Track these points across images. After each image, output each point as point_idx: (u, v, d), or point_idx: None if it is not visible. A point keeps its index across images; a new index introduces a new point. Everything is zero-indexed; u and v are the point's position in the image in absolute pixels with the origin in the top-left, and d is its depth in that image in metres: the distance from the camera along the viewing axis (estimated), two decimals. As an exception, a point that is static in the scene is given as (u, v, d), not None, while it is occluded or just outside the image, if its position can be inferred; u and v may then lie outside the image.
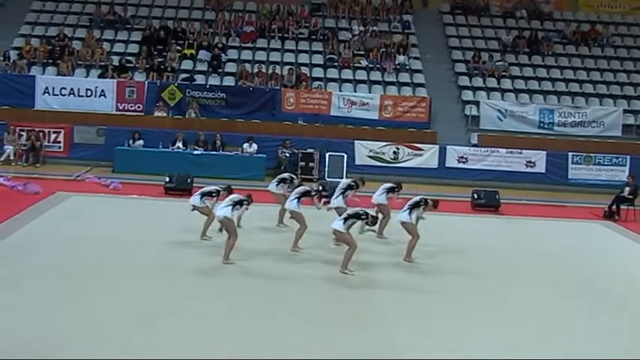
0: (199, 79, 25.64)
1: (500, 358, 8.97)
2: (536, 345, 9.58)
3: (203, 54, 26.52)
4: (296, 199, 13.83)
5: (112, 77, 24.79)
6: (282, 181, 15.49)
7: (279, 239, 14.55)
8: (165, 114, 24.03)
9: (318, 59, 27.23)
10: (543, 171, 23.83)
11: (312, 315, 10.19)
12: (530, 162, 23.77)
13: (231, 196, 13.02)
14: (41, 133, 22.63)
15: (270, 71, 25.86)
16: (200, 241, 13.86)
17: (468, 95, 26.25)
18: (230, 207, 12.55)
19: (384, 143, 23.42)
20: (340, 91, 25.63)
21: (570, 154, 23.94)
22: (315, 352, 8.84)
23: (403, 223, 13.34)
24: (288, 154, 22.42)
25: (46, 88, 24.18)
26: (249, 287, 11.41)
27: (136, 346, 8.69)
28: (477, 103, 25.66)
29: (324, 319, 10.08)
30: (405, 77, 26.71)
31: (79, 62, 25.72)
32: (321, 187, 15.77)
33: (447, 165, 23.47)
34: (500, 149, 23.78)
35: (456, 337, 9.70)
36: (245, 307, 10.35)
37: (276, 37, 27.84)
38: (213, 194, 13.85)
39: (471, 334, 9.80)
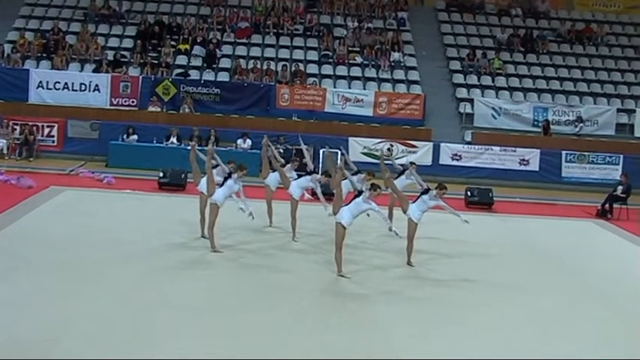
0: (194, 75, 25.60)
1: (498, 359, 8.99)
2: (531, 343, 9.60)
3: (198, 49, 26.50)
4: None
5: (107, 72, 24.73)
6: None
7: (275, 237, 14.56)
8: (159, 109, 24.00)
9: (312, 55, 27.23)
10: (537, 169, 23.88)
11: (308, 315, 10.19)
12: (523, 160, 23.82)
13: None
14: (35, 127, 22.56)
15: (264, 67, 25.85)
16: (193, 236, 13.80)
17: (462, 93, 26.28)
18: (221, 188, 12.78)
19: (379, 140, 23.43)
20: (335, 87, 25.62)
21: (564, 152, 24.00)
22: (311, 352, 8.82)
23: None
24: (282, 150, 22.39)
25: (40, 82, 24.12)
26: (245, 285, 11.37)
27: (129, 342, 8.68)
28: (471, 101, 25.70)
29: (321, 319, 10.07)
30: (399, 74, 26.73)
31: (74, 56, 25.66)
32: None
33: (440, 162, 23.47)
34: (494, 147, 23.81)
35: (453, 337, 9.68)
36: (240, 306, 10.32)
37: (271, 33, 27.83)
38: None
39: (466, 335, 9.79)
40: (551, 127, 25.07)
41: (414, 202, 12.99)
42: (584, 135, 25.29)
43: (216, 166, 13.51)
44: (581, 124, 25.25)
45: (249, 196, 13.48)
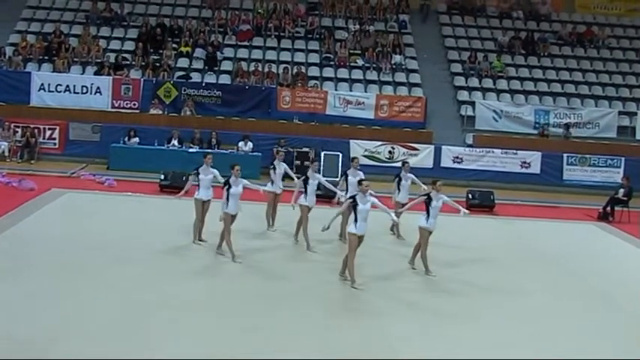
0: (195, 77, 25.63)
1: (498, 359, 8.99)
2: (532, 346, 9.60)
3: (199, 52, 26.53)
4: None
5: (108, 74, 24.76)
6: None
7: (277, 240, 14.58)
8: (160, 111, 24.00)
9: (314, 58, 27.25)
10: (538, 172, 23.85)
11: (308, 315, 10.19)
12: (525, 163, 23.80)
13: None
14: (36, 130, 22.58)
15: (266, 70, 25.87)
16: (193, 238, 13.82)
17: (463, 95, 26.28)
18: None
19: (380, 143, 23.44)
20: (336, 90, 25.64)
21: (565, 155, 23.97)
22: (311, 352, 8.83)
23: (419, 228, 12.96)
24: (283, 153, 22.35)
25: (42, 84, 24.15)
26: (244, 286, 11.39)
27: (129, 342, 8.69)
28: (472, 104, 25.71)
29: (321, 320, 10.07)
30: (401, 77, 26.74)
31: (75, 59, 25.69)
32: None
33: (442, 165, 23.44)
34: (495, 150, 23.80)
35: (453, 338, 9.70)
36: (240, 306, 10.34)
37: (273, 36, 27.85)
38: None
39: (467, 335, 9.80)
40: (552, 129, 25.10)
41: (426, 217, 12.78)
42: (586, 137, 25.26)
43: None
44: (570, 129, 25.17)
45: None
